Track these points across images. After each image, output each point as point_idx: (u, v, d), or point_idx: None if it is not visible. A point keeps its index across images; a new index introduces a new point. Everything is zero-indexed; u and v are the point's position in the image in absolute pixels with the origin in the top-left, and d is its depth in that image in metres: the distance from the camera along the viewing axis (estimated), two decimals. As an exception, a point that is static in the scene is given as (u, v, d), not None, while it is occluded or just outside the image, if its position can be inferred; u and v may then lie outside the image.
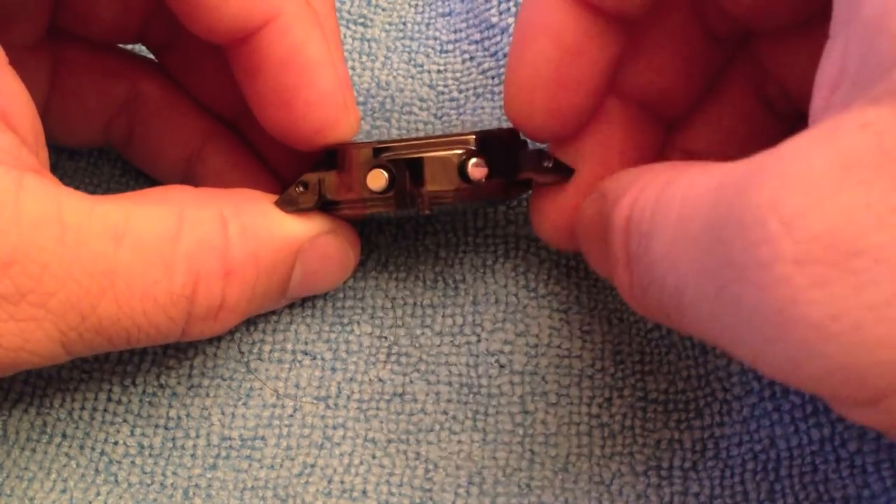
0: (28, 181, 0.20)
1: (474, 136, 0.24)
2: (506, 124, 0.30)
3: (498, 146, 0.24)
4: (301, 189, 0.24)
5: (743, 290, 0.16)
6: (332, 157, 0.25)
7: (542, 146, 0.27)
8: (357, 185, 0.24)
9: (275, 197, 0.25)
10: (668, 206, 0.18)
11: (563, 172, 0.25)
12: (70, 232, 0.20)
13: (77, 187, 0.29)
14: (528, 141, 0.26)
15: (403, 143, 0.24)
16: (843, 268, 0.15)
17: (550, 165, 0.25)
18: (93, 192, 0.29)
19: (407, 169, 0.24)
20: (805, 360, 0.15)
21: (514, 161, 0.25)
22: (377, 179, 0.24)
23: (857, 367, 0.15)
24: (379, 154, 0.24)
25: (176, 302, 0.22)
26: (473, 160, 0.24)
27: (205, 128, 0.28)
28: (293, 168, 0.28)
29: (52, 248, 0.20)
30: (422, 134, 0.30)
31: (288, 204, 0.24)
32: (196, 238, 0.22)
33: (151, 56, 0.29)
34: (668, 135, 0.27)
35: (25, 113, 0.21)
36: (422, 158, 0.24)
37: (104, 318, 0.21)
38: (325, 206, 0.25)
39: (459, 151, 0.24)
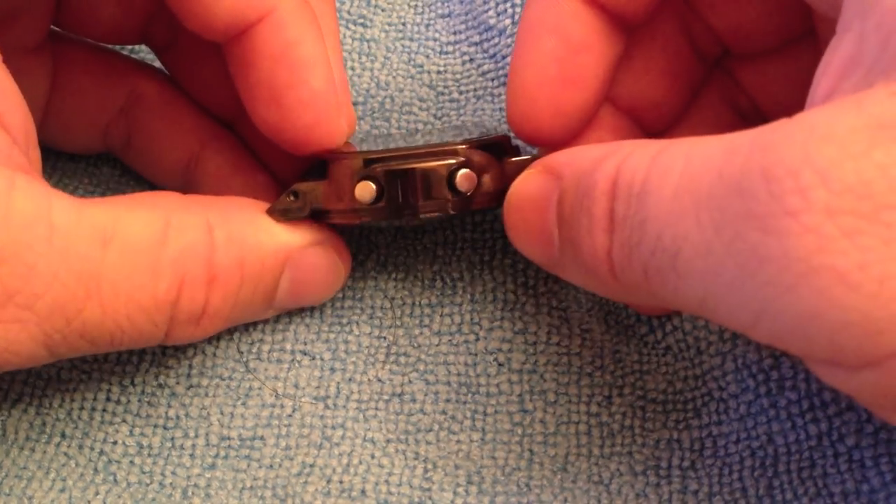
0: (19, 181, 0.20)
1: (465, 146, 0.24)
2: (506, 126, 0.30)
3: (489, 154, 0.24)
4: (292, 198, 0.24)
5: (761, 239, 0.16)
6: (324, 166, 0.25)
7: (533, 155, 0.27)
8: (346, 196, 0.24)
9: (265, 205, 0.25)
10: (669, 167, 0.18)
11: None
12: (58, 234, 0.20)
13: (76, 188, 0.29)
14: (520, 149, 0.26)
15: (393, 154, 0.24)
16: (875, 219, 0.15)
17: None
18: (91, 194, 0.29)
19: (396, 180, 0.24)
20: (822, 311, 0.15)
21: (506, 168, 0.25)
22: (365, 191, 0.24)
23: (877, 320, 0.15)
24: (368, 165, 0.24)
25: (160, 307, 0.22)
26: (462, 171, 0.24)
27: (203, 130, 0.28)
28: (292, 170, 0.28)
29: (40, 249, 0.20)
30: (420, 135, 0.30)
31: (279, 213, 0.24)
32: (182, 244, 0.22)
33: (152, 56, 0.29)
34: None
35: (16, 112, 0.21)
36: (412, 170, 0.24)
37: (88, 322, 0.21)
38: (316, 215, 0.25)
39: (449, 162, 0.24)
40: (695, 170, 0.18)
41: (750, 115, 0.26)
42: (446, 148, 0.24)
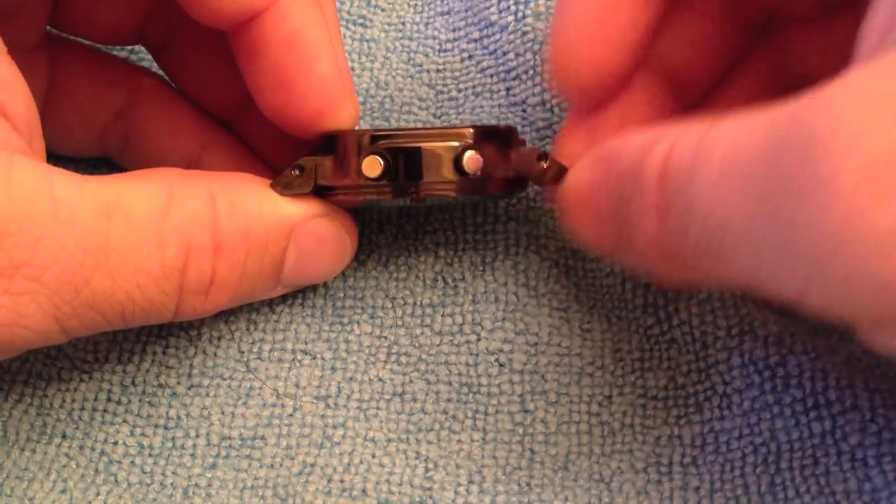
0: (18, 160, 0.20)
1: (472, 130, 0.24)
2: (503, 122, 0.30)
3: (495, 142, 0.24)
4: (297, 173, 0.24)
5: (800, 208, 0.16)
6: (330, 142, 0.25)
7: (539, 147, 0.27)
8: (352, 172, 0.24)
9: (268, 181, 0.25)
10: (713, 146, 0.18)
11: (559, 173, 0.25)
12: (62, 207, 0.20)
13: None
14: (526, 140, 0.26)
15: (401, 133, 0.24)
16: None
17: (546, 165, 0.25)
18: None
19: (403, 158, 0.24)
20: (861, 277, 0.16)
21: (511, 158, 0.25)
22: (373, 166, 0.24)
23: None
24: (376, 142, 0.24)
25: (169, 275, 0.22)
26: (469, 153, 0.24)
27: (202, 132, 0.28)
28: (291, 162, 0.28)
29: (45, 222, 0.20)
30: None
31: (283, 187, 0.24)
32: (185, 212, 0.22)
33: (150, 57, 0.29)
34: (684, 113, 0.27)
35: (19, 101, 0.21)
36: (418, 148, 0.24)
37: (98, 292, 0.21)
38: (319, 192, 0.25)
39: (456, 143, 0.24)
40: (739, 147, 0.18)
41: (796, 82, 0.26)
42: (454, 130, 0.24)
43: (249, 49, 0.24)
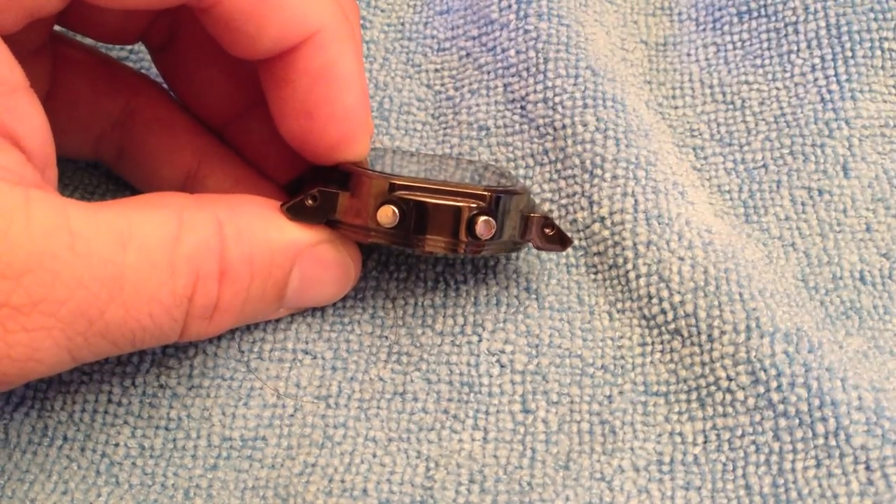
0: (35, 194, 0.20)
1: (488, 193, 0.24)
2: (500, 121, 0.30)
3: (510, 205, 0.25)
4: (310, 202, 0.24)
5: None
6: (345, 176, 0.25)
7: (548, 213, 0.27)
8: (365, 214, 0.24)
9: (275, 202, 0.25)
10: None
11: (563, 242, 0.26)
12: (80, 240, 0.20)
13: (76, 188, 0.29)
14: (524, 137, 0.26)
15: (420, 185, 0.24)
16: None
17: (552, 233, 0.25)
18: (91, 195, 0.29)
19: (418, 211, 0.24)
20: None
21: (519, 222, 0.25)
22: (387, 215, 0.24)
23: None
24: (394, 190, 0.24)
25: (179, 303, 0.22)
26: (483, 218, 0.24)
27: (199, 146, 0.28)
28: (286, 172, 0.28)
29: (63, 257, 0.20)
30: (420, 134, 0.30)
31: (295, 213, 0.25)
32: (195, 240, 0.22)
33: (149, 58, 0.29)
34: None
35: (37, 135, 0.21)
36: (435, 205, 0.24)
37: (111, 323, 0.21)
38: (328, 222, 0.25)
39: (472, 205, 0.24)
40: None
41: None
42: (472, 191, 0.24)
43: (278, 75, 0.24)
